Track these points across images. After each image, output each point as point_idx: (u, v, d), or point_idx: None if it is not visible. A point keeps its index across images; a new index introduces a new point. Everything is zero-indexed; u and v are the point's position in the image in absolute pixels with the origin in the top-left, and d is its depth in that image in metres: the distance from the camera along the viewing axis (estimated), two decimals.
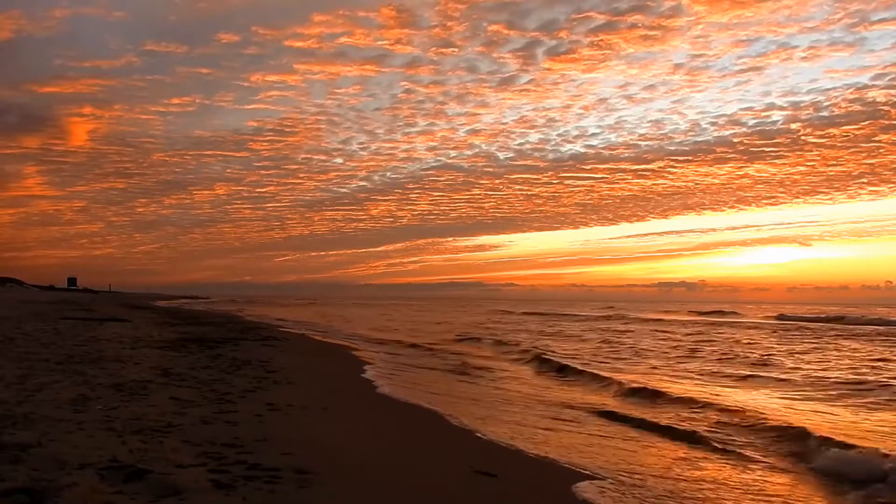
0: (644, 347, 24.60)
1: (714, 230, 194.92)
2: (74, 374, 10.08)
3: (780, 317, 58.50)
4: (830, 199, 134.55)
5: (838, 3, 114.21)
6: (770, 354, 21.65)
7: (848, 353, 22.44)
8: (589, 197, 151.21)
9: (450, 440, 8.34)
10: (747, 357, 20.64)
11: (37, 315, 27.41)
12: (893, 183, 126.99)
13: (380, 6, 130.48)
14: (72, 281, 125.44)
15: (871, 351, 23.58)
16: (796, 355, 21.75)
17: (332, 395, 10.84)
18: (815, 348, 24.74)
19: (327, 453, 6.39)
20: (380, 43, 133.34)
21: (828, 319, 51.36)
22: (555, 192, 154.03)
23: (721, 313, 66.46)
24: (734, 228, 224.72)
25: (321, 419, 8.40)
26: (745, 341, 28.01)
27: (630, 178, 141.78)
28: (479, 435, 8.59)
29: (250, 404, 8.60)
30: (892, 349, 24.29)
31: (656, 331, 35.83)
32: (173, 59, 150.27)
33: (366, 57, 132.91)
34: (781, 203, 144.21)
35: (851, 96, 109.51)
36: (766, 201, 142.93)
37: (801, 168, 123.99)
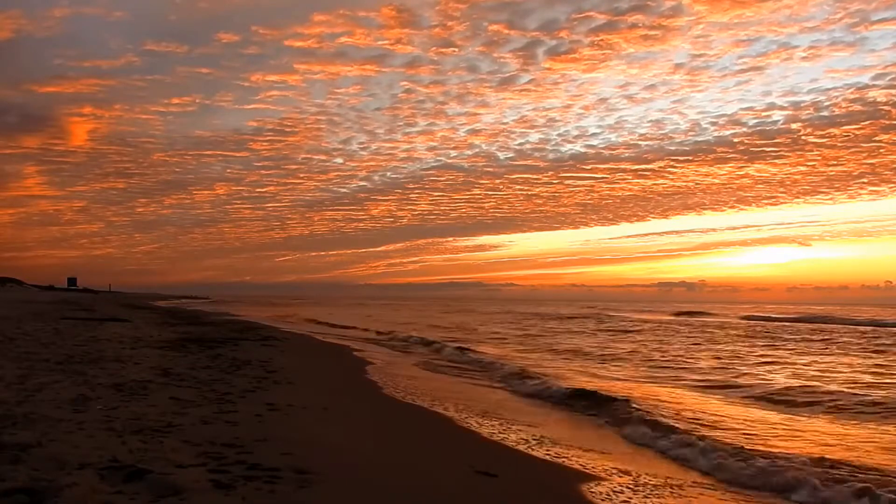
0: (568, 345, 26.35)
1: (714, 230, 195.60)
2: (74, 374, 10.07)
3: (747, 317, 60.47)
4: (831, 199, 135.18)
5: (839, 3, 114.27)
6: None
7: (760, 352, 23.73)
8: (589, 197, 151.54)
9: (450, 440, 8.34)
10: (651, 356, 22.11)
11: (37, 315, 27.41)
12: (894, 183, 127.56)
13: (380, 6, 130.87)
14: (72, 281, 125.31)
15: (789, 350, 24.85)
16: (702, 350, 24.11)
17: (332, 395, 10.84)
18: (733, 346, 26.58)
19: (327, 453, 6.39)
20: (380, 43, 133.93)
21: (793, 319, 53.75)
22: (555, 192, 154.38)
23: (698, 314, 67.71)
24: (734, 228, 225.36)
25: (321, 419, 8.40)
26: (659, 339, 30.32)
27: (630, 178, 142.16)
28: (480, 435, 8.60)
29: (250, 404, 8.60)
30: (820, 347, 25.78)
31: (601, 329, 37.72)
32: (173, 59, 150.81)
33: (366, 57, 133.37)
34: (782, 203, 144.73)
35: (852, 96, 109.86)
36: (766, 201, 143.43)
37: (802, 168, 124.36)
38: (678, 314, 66.78)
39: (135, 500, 4.47)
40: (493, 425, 9.40)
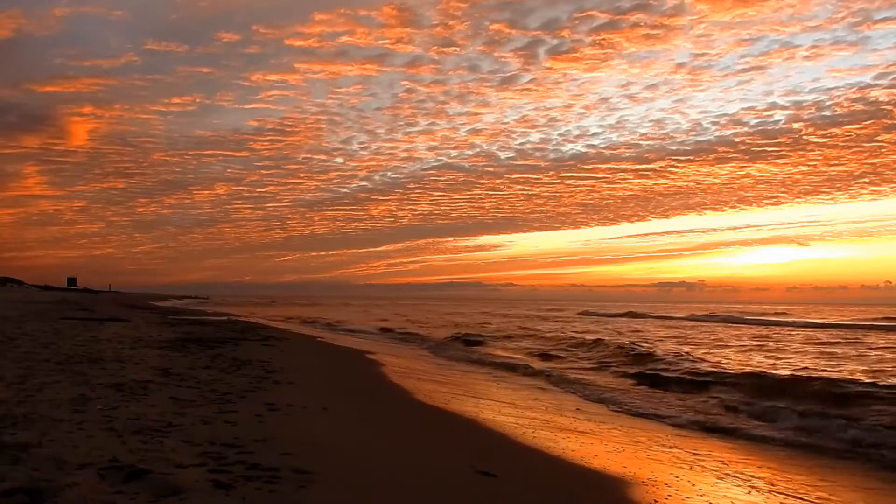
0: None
1: (715, 230, 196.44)
2: (74, 374, 10.07)
3: (629, 314, 67.51)
4: (832, 198, 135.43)
5: (841, 2, 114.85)
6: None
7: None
8: (590, 197, 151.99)
9: (451, 439, 8.34)
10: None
11: (37, 315, 27.39)
12: (895, 183, 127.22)
13: (381, 5, 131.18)
14: (71, 281, 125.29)
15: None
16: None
17: (332, 395, 10.83)
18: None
19: (327, 453, 6.39)
20: (381, 42, 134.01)
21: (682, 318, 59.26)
22: (556, 192, 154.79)
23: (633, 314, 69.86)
24: (735, 228, 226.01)
25: (321, 419, 8.40)
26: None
27: (631, 177, 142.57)
28: (480, 434, 8.60)
29: (250, 404, 8.60)
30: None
31: None
32: (173, 59, 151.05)
33: (367, 56, 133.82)
34: (783, 203, 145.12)
35: (854, 96, 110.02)
36: (767, 201, 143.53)
37: (803, 168, 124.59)
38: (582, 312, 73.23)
39: (135, 500, 4.47)
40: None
